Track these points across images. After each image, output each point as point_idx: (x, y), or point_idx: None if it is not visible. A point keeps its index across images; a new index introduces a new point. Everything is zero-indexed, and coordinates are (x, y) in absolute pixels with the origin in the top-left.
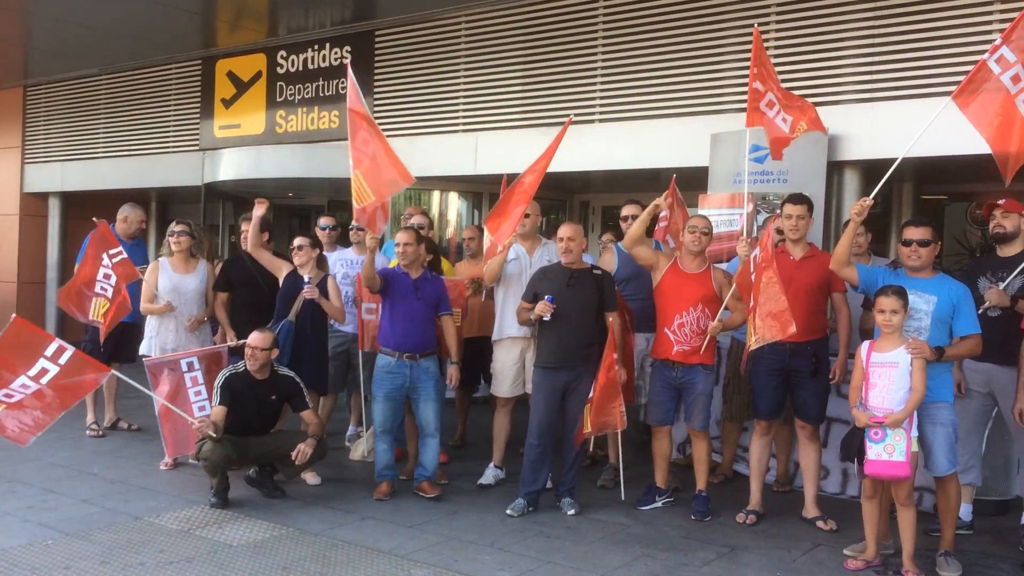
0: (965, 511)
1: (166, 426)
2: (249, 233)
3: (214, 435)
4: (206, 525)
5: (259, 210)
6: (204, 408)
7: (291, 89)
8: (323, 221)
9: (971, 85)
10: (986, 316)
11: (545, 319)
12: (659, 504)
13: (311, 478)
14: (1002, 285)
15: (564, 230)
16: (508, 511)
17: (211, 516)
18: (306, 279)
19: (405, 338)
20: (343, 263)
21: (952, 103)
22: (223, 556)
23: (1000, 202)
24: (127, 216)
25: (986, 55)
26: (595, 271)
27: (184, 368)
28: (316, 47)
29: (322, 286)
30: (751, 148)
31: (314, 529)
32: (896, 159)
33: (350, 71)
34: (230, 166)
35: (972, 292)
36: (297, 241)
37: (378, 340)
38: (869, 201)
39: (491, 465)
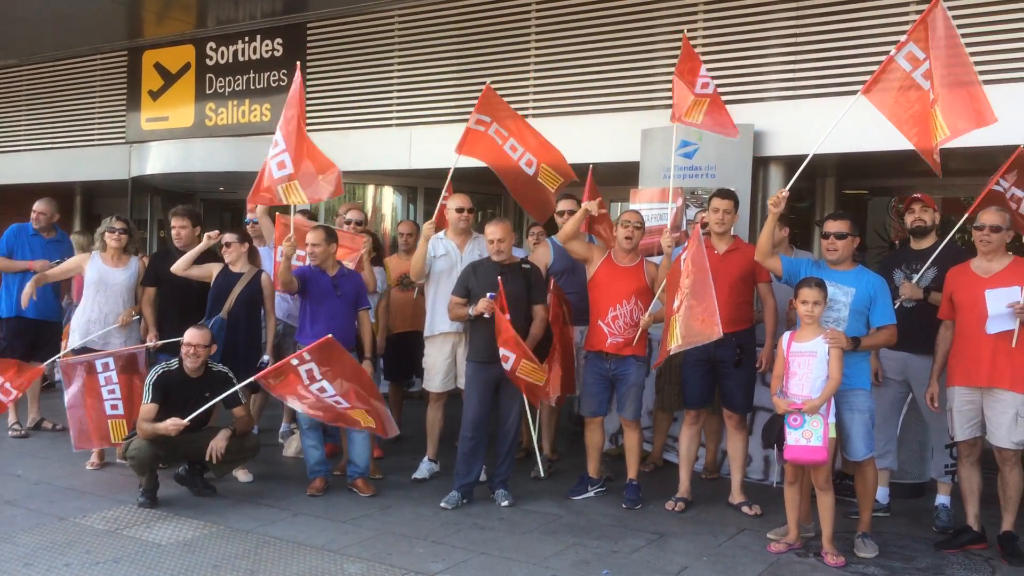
0: (882, 494)
1: (72, 420)
2: (179, 262)
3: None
4: (134, 525)
5: (204, 245)
6: (116, 407)
7: (221, 81)
8: (251, 215)
9: (880, 81)
10: (901, 307)
11: (486, 316)
12: (591, 494)
13: (243, 475)
14: (915, 277)
15: (493, 231)
16: (442, 504)
17: (139, 515)
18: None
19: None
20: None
21: (863, 100)
22: (151, 556)
23: (916, 195)
24: (40, 210)
25: (893, 51)
26: (524, 265)
27: (99, 368)
28: (247, 39)
29: (255, 282)
30: (679, 144)
31: (245, 526)
32: (819, 153)
33: (299, 74)
34: (158, 159)
35: (888, 284)
36: (226, 237)
37: (296, 338)
38: (784, 193)
39: (425, 459)
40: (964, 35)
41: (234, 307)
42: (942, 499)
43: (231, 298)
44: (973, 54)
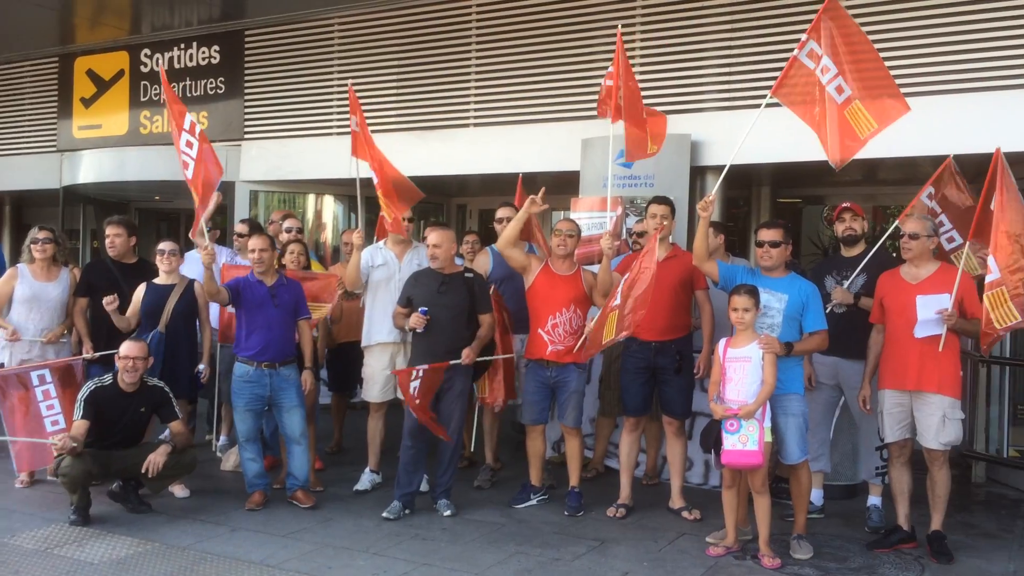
0: (816, 496)
1: (17, 441)
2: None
3: (74, 448)
4: (65, 543)
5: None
6: (57, 423)
7: (156, 89)
8: (200, 240)
9: (787, 80)
10: (833, 313)
11: (418, 331)
12: (534, 502)
13: (179, 491)
14: (846, 284)
15: (431, 236)
16: (384, 514)
17: (71, 534)
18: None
19: (264, 348)
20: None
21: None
22: (83, 575)
23: (846, 204)
24: None
25: (795, 51)
26: (467, 274)
27: (35, 382)
28: (183, 46)
29: (188, 292)
30: (618, 154)
31: (181, 543)
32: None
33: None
34: (91, 168)
35: (820, 290)
36: (163, 245)
37: (234, 350)
38: (711, 198)
39: (367, 470)
40: (893, 48)
41: (171, 320)
42: (873, 500)
43: (167, 311)
44: (904, 67)
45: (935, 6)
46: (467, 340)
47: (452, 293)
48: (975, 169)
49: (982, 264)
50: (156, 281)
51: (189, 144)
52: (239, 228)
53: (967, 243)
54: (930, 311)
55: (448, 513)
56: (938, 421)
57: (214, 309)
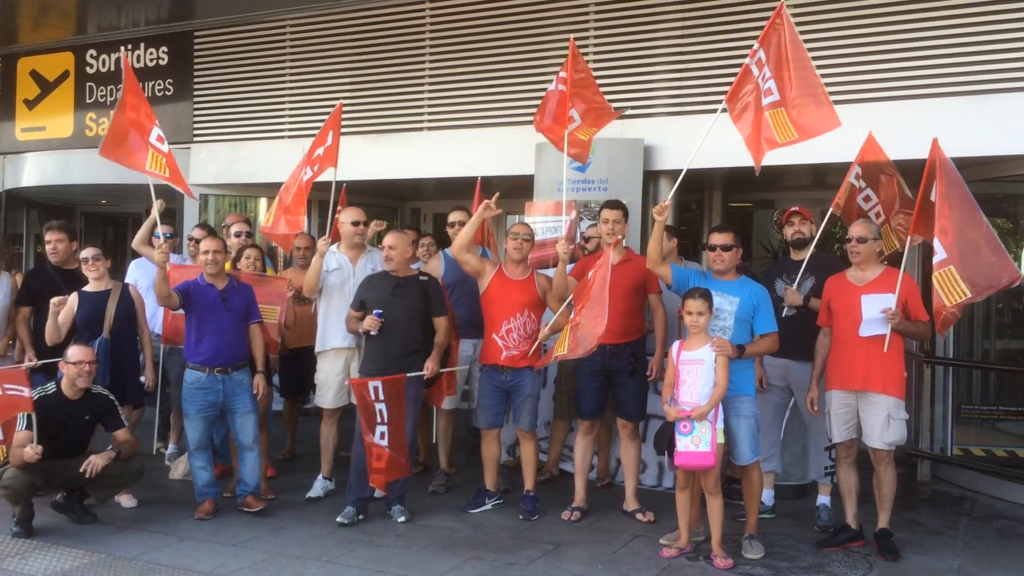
0: (767, 496)
1: None
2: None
3: (35, 457)
4: (7, 556)
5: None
6: None
7: (103, 90)
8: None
9: (740, 89)
10: (782, 315)
11: (372, 333)
12: (489, 506)
13: (126, 500)
14: (793, 286)
15: (387, 239)
16: (338, 520)
17: (13, 546)
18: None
19: (216, 353)
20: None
21: (727, 110)
22: None
23: (795, 208)
24: None
25: (747, 59)
26: (422, 277)
27: None
28: (130, 47)
29: (126, 296)
30: (573, 164)
31: (128, 554)
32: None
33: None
34: (34, 171)
35: (770, 293)
36: (85, 253)
37: (184, 355)
38: (666, 203)
39: (319, 477)
40: (836, 55)
41: (115, 325)
42: (823, 499)
43: (109, 316)
44: (849, 74)
45: (876, 15)
46: (421, 343)
47: (406, 296)
48: (917, 175)
49: (901, 243)
50: (87, 289)
51: (160, 139)
52: (195, 233)
53: (888, 220)
54: (875, 310)
55: (402, 519)
56: (883, 421)
57: (156, 311)
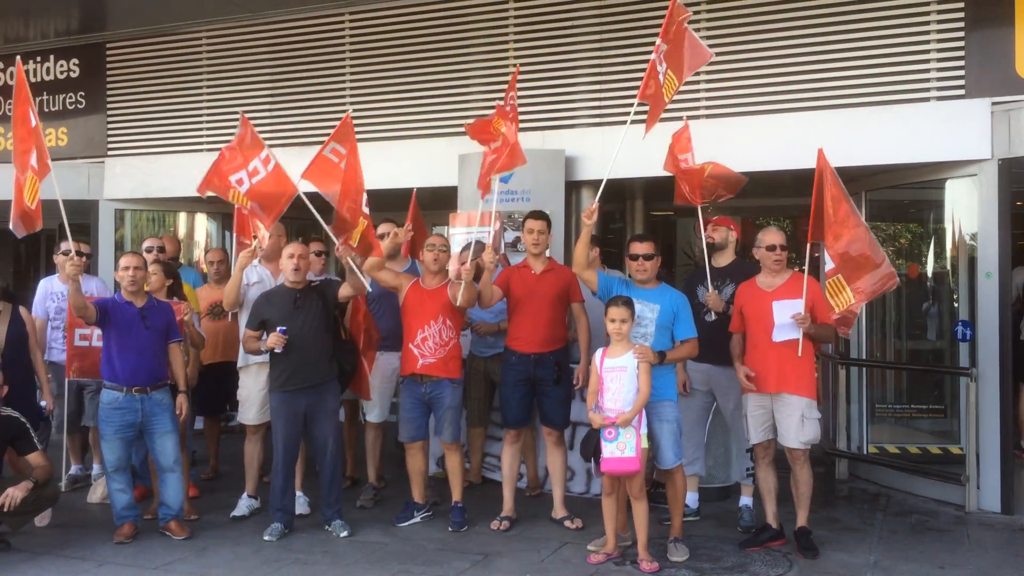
0: (692, 499)
1: None
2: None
3: None
4: None
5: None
6: None
7: (10, 103)
8: (65, 246)
9: (649, 85)
10: (703, 321)
11: (277, 351)
12: (417, 519)
13: (39, 519)
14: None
15: (291, 247)
16: (265, 536)
17: None
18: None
19: (135, 372)
20: (52, 296)
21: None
22: None
23: (712, 218)
24: None
25: (652, 55)
26: (313, 283)
27: None
28: (39, 59)
29: (16, 319)
30: (501, 178)
31: None
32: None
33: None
34: None
35: (692, 300)
36: None
37: (101, 374)
38: (595, 205)
39: (244, 495)
40: (759, 65)
41: (6, 348)
42: (745, 500)
43: None
44: (767, 83)
45: (799, 28)
46: (330, 350)
47: (307, 306)
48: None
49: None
50: None
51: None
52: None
53: None
54: (785, 316)
55: (345, 534)
56: (797, 421)
57: (52, 338)
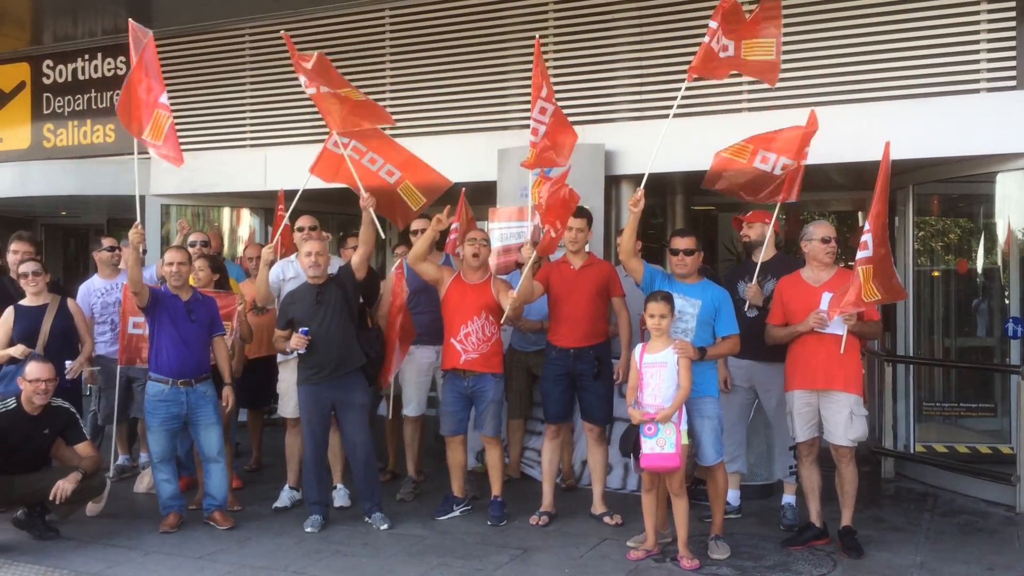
0: (733, 496)
1: None
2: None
3: None
4: None
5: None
6: None
7: (60, 101)
8: (106, 242)
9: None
10: (745, 317)
11: (301, 352)
12: (456, 513)
13: (90, 507)
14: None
15: (309, 245)
16: (306, 528)
17: None
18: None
19: (181, 365)
20: (95, 293)
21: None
22: None
23: (743, 216)
24: None
25: (706, 38)
26: (332, 275)
27: None
28: (87, 57)
29: (63, 310)
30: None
31: (91, 569)
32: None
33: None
34: None
35: (733, 295)
36: (27, 267)
37: (148, 366)
38: (640, 193)
39: (286, 487)
40: (805, 58)
41: (49, 341)
42: (788, 498)
43: (44, 332)
44: (813, 77)
45: (845, 20)
46: (355, 340)
47: (329, 300)
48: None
49: None
50: (24, 303)
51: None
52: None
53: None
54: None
55: (385, 527)
56: (845, 418)
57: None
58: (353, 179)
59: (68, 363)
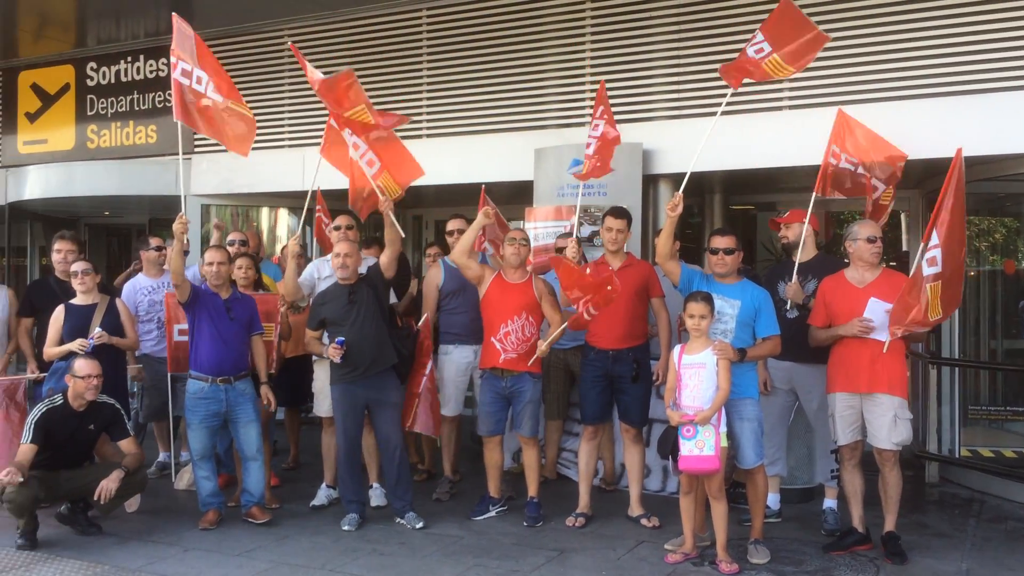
0: (773, 500)
1: None
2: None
3: (20, 482)
4: (12, 569)
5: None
6: None
7: (103, 102)
8: (154, 242)
9: (739, 64)
10: (785, 318)
11: (336, 361)
12: (493, 513)
13: (129, 504)
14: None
15: (340, 246)
16: (344, 526)
17: (18, 559)
18: (94, 333)
19: (220, 362)
20: (142, 291)
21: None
22: None
23: (779, 218)
24: None
25: (746, 47)
26: (362, 275)
27: None
28: (129, 59)
29: (112, 310)
30: (572, 163)
31: (133, 565)
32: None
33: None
34: (37, 184)
35: (773, 296)
36: (78, 266)
37: (188, 364)
38: (679, 197)
39: (323, 485)
40: (861, 54)
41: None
42: (829, 503)
43: (92, 330)
44: (860, 73)
45: (883, 15)
46: (389, 337)
47: (361, 300)
48: (922, 173)
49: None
50: (74, 302)
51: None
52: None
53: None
54: (880, 312)
55: (419, 526)
56: (890, 421)
57: (142, 328)
58: (345, 163)
59: (98, 329)
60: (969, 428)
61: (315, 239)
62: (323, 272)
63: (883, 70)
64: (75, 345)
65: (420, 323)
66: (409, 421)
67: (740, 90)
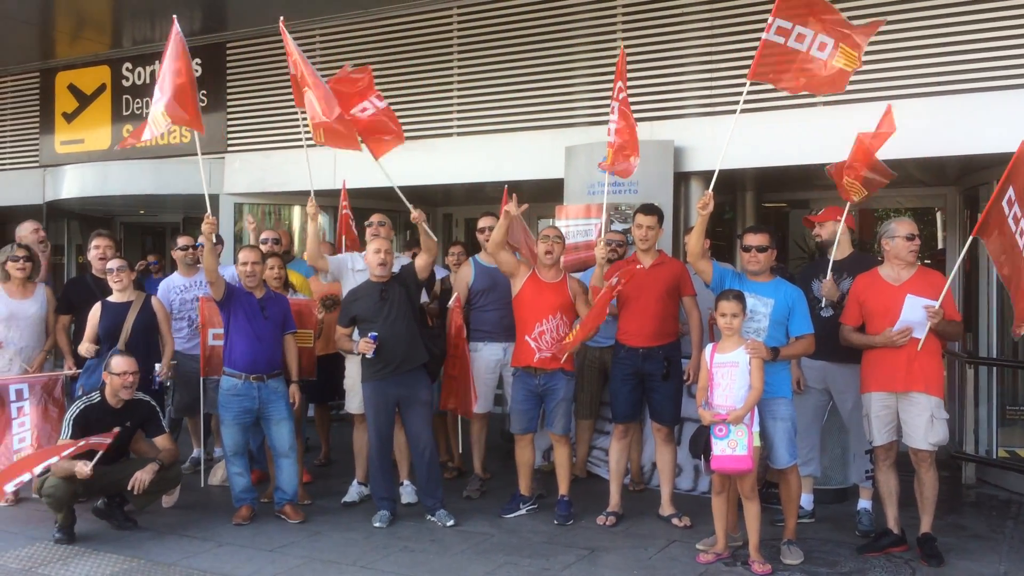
0: (806, 500)
1: None
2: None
3: (89, 474)
4: (50, 562)
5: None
6: (24, 440)
7: (138, 103)
8: (181, 241)
9: (762, 61)
10: (819, 316)
11: (368, 356)
12: (523, 511)
13: (166, 499)
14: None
15: (376, 243)
16: (375, 524)
17: (55, 552)
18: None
19: (254, 360)
20: (174, 290)
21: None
22: None
23: (813, 216)
24: None
25: (764, 33)
26: (395, 274)
27: (12, 396)
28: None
29: (147, 308)
30: (602, 159)
31: (168, 559)
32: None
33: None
34: (74, 183)
35: (807, 294)
36: (112, 264)
37: (225, 368)
38: (709, 195)
39: (355, 482)
40: (899, 49)
41: (131, 337)
42: (863, 503)
43: (126, 328)
44: (898, 68)
45: (929, 10)
46: (420, 335)
47: (393, 298)
48: (958, 170)
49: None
50: (110, 299)
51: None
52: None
53: None
54: (917, 311)
55: (450, 523)
56: (926, 421)
57: (174, 326)
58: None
59: (157, 366)
60: (1007, 428)
61: (339, 234)
62: (357, 264)
63: (920, 66)
64: (82, 349)
65: (451, 301)
66: (450, 402)
67: (770, 86)
